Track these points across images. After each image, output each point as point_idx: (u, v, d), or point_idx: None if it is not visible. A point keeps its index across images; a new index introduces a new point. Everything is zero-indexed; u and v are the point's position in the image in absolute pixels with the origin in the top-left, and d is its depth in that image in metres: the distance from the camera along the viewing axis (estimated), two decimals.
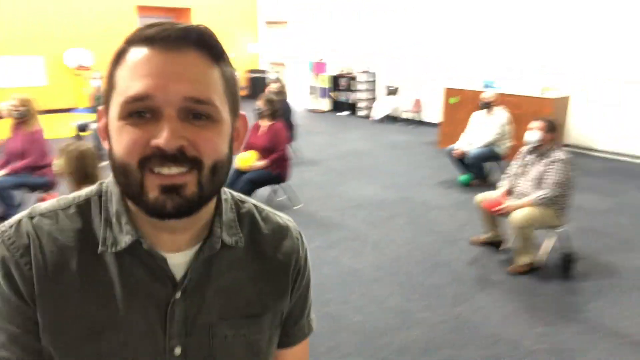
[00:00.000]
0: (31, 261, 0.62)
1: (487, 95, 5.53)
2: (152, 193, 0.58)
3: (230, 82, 0.63)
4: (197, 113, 0.58)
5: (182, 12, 11.64)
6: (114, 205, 0.66)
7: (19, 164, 4.05)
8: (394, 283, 3.38)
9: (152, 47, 0.57)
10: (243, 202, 0.77)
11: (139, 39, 0.59)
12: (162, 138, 0.56)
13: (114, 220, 0.65)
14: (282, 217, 0.81)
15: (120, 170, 0.59)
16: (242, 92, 12.09)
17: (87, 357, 0.63)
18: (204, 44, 0.59)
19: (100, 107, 0.65)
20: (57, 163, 2.57)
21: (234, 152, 0.66)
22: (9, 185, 4.03)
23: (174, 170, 0.57)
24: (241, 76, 12.61)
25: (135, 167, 0.57)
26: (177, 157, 0.57)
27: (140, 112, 0.57)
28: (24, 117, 4.08)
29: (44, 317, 0.62)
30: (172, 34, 0.57)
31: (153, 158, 0.57)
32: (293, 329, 0.83)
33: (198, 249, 0.68)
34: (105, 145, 0.63)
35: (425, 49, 9.37)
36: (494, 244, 3.94)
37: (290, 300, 0.79)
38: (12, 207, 4.11)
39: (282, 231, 0.78)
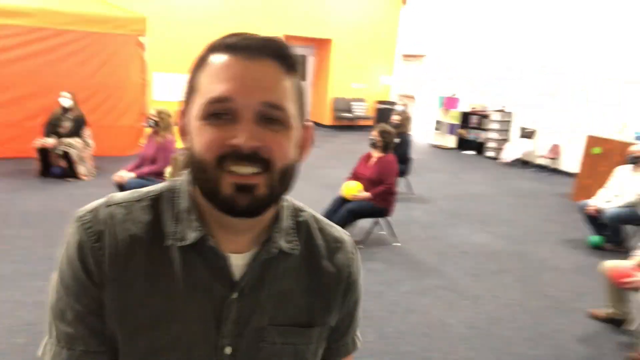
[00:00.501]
0: (104, 247, 0.66)
1: (637, 148, 4.82)
2: (227, 190, 0.62)
3: (300, 93, 0.67)
4: (271, 118, 0.62)
5: (324, 42, 12.16)
6: (185, 202, 0.70)
7: (146, 169, 4.51)
8: (486, 347, 3.02)
9: (233, 54, 0.62)
10: (302, 210, 0.79)
11: (221, 46, 0.63)
12: (240, 138, 0.60)
13: (183, 216, 0.69)
14: (339, 230, 0.83)
15: (198, 166, 0.63)
16: (368, 122, 12.19)
17: (145, 345, 0.66)
18: (281, 55, 0.64)
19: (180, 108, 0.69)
20: (168, 171, 2.78)
21: (301, 160, 0.70)
22: (134, 187, 4.47)
23: (248, 169, 0.61)
24: (369, 106, 12.73)
25: (213, 164, 0.61)
26: (252, 157, 0.60)
27: (219, 113, 0.61)
28: (158, 127, 4.55)
29: (111, 301, 0.66)
30: (252, 44, 0.62)
31: (229, 156, 0.60)
32: (337, 344, 0.83)
33: (256, 252, 0.71)
34: (184, 143, 0.68)
35: (569, 91, 8.55)
36: (615, 322, 3.34)
37: (339, 314, 0.80)
38: None
39: (337, 243, 0.80)
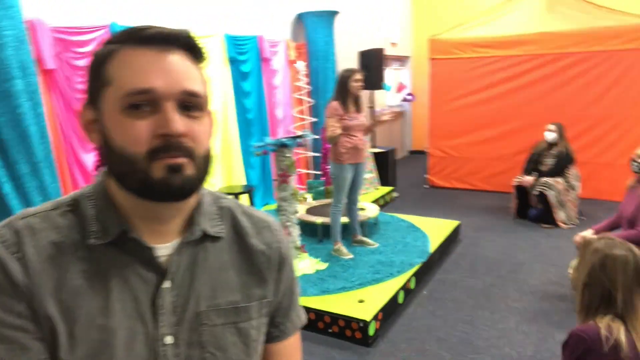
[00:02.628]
0: (27, 256, 0.65)
1: None
2: (159, 173, 0.63)
3: (205, 81, 0.71)
4: (190, 105, 0.66)
5: None
6: (101, 202, 0.70)
7: (622, 233, 3.10)
8: None
9: (148, 46, 0.65)
10: (223, 197, 0.82)
11: (135, 39, 0.65)
12: (170, 125, 0.63)
13: (102, 214, 0.69)
14: (263, 212, 0.85)
15: (124, 161, 0.64)
16: None
17: (85, 346, 0.65)
18: (191, 46, 0.68)
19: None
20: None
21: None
22: None
23: (176, 155, 0.64)
24: None
25: (143, 157, 0.63)
26: (179, 146, 0.64)
27: (139, 104, 0.63)
28: None
29: (44, 309, 0.64)
30: (164, 36, 0.65)
31: (160, 149, 0.63)
32: (284, 321, 0.84)
33: (182, 239, 0.72)
34: (91, 139, 0.69)
35: None
36: None
37: (278, 290, 0.81)
38: None
39: (262, 224, 0.82)
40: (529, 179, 5.21)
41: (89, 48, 3.54)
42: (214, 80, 4.90)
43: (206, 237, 0.74)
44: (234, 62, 5.10)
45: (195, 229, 0.73)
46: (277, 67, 5.79)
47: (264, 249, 0.80)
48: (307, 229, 4.42)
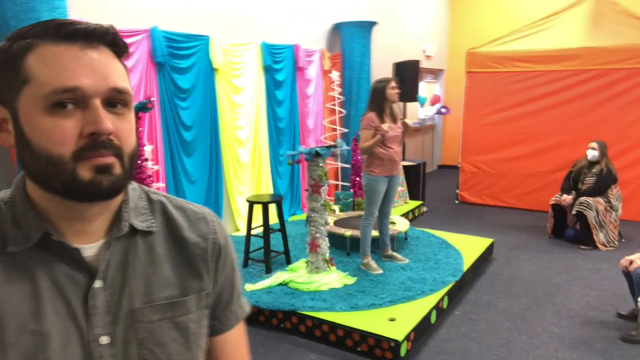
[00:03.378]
0: None
1: None
2: (87, 174, 0.62)
3: (127, 77, 0.69)
4: (115, 102, 0.64)
5: None
6: (20, 206, 0.68)
7: None
8: None
9: (73, 42, 0.62)
10: (154, 192, 0.80)
11: (56, 35, 0.62)
12: (99, 124, 0.61)
13: (23, 219, 0.67)
14: (196, 205, 0.83)
15: (48, 162, 0.62)
16: None
17: (18, 351, 0.63)
18: (114, 42, 0.66)
19: None
20: None
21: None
22: None
23: (105, 153, 0.63)
24: None
25: (68, 157, 0.61)
26: (107, 144, 0.62)
27: (64, 102, 0.61)
28: None
29: None
30: (87, 31, 0.63)
31: (87, 148, 0.61)
32: (225, 312, 0.83)
33: (109, 236, 0.71)
34: (0, 140, 0.66)
35: None
36: None
37: (216, 282, 0.80)
38: None
39: (196, 216, 0.80)
40: (567, 198, 5.02)
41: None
42: (249, 87, 4.91)
43: (136, 232, 0.73)
44: (269, 70, 5.10)
45: (123, 224, 0.71)
46: (311, 77, 5.77)
47: (199, 241, 0.78)
48: (335, 241, 4.34)
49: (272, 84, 5.20)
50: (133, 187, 0.77)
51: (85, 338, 0.67)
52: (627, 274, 3.22)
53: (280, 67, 5.24)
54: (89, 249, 0.69)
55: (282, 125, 5.42)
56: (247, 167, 5.04)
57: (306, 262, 3.78)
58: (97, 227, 0.70)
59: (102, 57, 0.64)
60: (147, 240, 0.74)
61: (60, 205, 0.66)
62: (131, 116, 0.68)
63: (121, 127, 0.65)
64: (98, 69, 0.63)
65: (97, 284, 0.68)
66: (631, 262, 3.16)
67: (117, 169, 0.64)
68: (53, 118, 0.61)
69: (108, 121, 0.62)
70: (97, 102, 0.62)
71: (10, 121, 0.64)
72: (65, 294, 0.67)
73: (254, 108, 5.00)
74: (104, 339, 0.68)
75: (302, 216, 5.61)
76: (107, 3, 3.60)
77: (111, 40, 0.66)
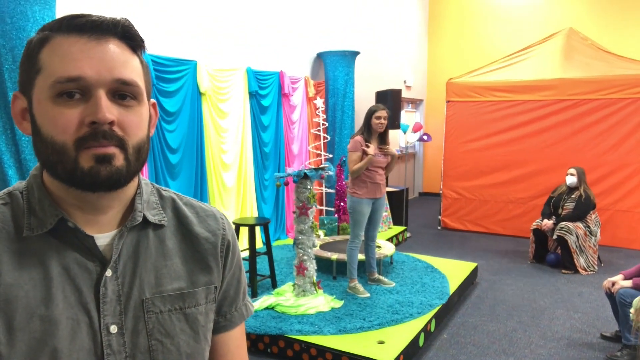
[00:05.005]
0: None
1: None
2: (87, 163, 0.63)
3: (146, 70, 0.71)
4: (123, 94, 0.65)
5: None
6: (37, 193, 0.69)
7: None
8: None
9: (81, 34, 0.64)
10: (164, 190, 0.81)
11: (68, 27, 0.64)
12: (98, 112, 0.62)
13: (38, 206, 0.68)
14: (204, 204, 0.84)
15: (53, 149, 0.63)
16: None
17: (27, 337, 0.63)
18: (127, 35, 0.67)
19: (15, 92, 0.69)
20: None
21: (150, 135, 0.72)
22: (627, 298, 3.06)
23: (105, 144, 0.63)
24: None
25: (71, 145, 0.63)
26: (109, 135, 0.63)
27: (70, 92, 0.62)
28: None
29: None
30: (99, 24, 0.64)
31: (88, 138, 0.62)
32: (231, 310, 0.83)
33: (122, 227, 0.71)
34: (22, 128, 0.69)
35: None
36: None
37: (224, 278, 0.81)
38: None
39: (205, 213, 0.82)
40: (548, 223, 5.12)
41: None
42: (235, 112, 4.93)
43: (148, 225, 0.74)
44: (254, 95, 5.15)
45: (137, 214, 0.72)
46: (296, 103, 5.84)
47: (209, 236, 0.79)
48: (321, 265, 4.30)
49: (258, 109, 5.24)
50: (146, 182, 0.78)
51: (94, 326, 0.67)
52: (610, 295, 3.28)
53: (265, 92, 5.30)
54: (102, 239, 0.70)
55: (268, 150, 5.44)
56: (232, 191, 5.01)
57: (293, 286, 3.73)
58: (109, 218, 0.71)
59: (110, 49, 0.64)
60: (158, 233, 0.75)
61: (70, 194, 0.67)
62: (142, 109, 0.68)
63: (127, 118, 0.65)
64: (104, 60, 0.63)
65: (109, 272, 0.69)
66: (613, 284, 3.22)
67: (119, 161, 0.64)
68: (58, 107, 0.62)
69: (109, 111, 0.62)
70: (101, 93, 0.63)
71: (30, 111, 0.66)
72: (76, 281, 0.67)
73: (239, 132, 5.02)
74: (113, 328, 0.68)
75: (287, 241, 5.58)
76: None
77: (121, 33, 0.66)
